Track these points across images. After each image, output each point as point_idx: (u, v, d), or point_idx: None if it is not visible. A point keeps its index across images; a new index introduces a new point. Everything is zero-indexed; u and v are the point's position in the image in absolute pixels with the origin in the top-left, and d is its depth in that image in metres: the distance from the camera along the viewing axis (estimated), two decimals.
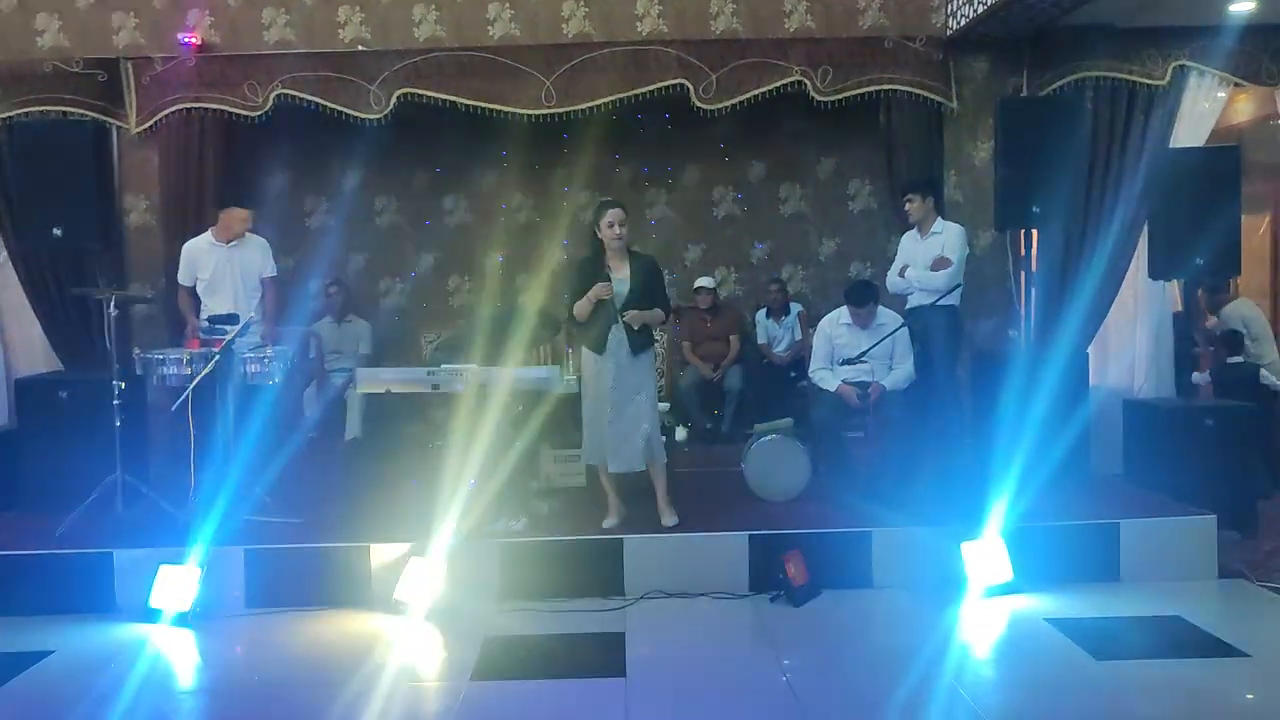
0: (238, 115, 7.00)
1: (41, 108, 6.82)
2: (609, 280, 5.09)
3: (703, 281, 7.87)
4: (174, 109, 6.98)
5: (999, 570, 4.90)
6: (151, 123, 7.02)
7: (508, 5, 7.21)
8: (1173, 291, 7.23)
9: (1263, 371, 7.21)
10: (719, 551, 4.98)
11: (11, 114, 6.77)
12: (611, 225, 5.10)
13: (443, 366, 5.20)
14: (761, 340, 7.97)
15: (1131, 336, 6.92)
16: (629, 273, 5.14)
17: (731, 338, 7.82)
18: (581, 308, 5.12)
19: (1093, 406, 6.22)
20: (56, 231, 5.64)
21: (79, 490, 5.16)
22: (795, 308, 7.88)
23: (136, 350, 5.49)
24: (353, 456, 6.88)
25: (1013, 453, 5.38)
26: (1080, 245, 6.78)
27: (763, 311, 7.99)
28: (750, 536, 4.99)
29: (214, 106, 6.99)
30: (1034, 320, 6.77)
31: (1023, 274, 6.83)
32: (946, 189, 7.24)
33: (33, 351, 7.09)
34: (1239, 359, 7.25)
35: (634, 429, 5.07)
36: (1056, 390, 5.79)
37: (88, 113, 6.92)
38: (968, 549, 4.89)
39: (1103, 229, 6.71)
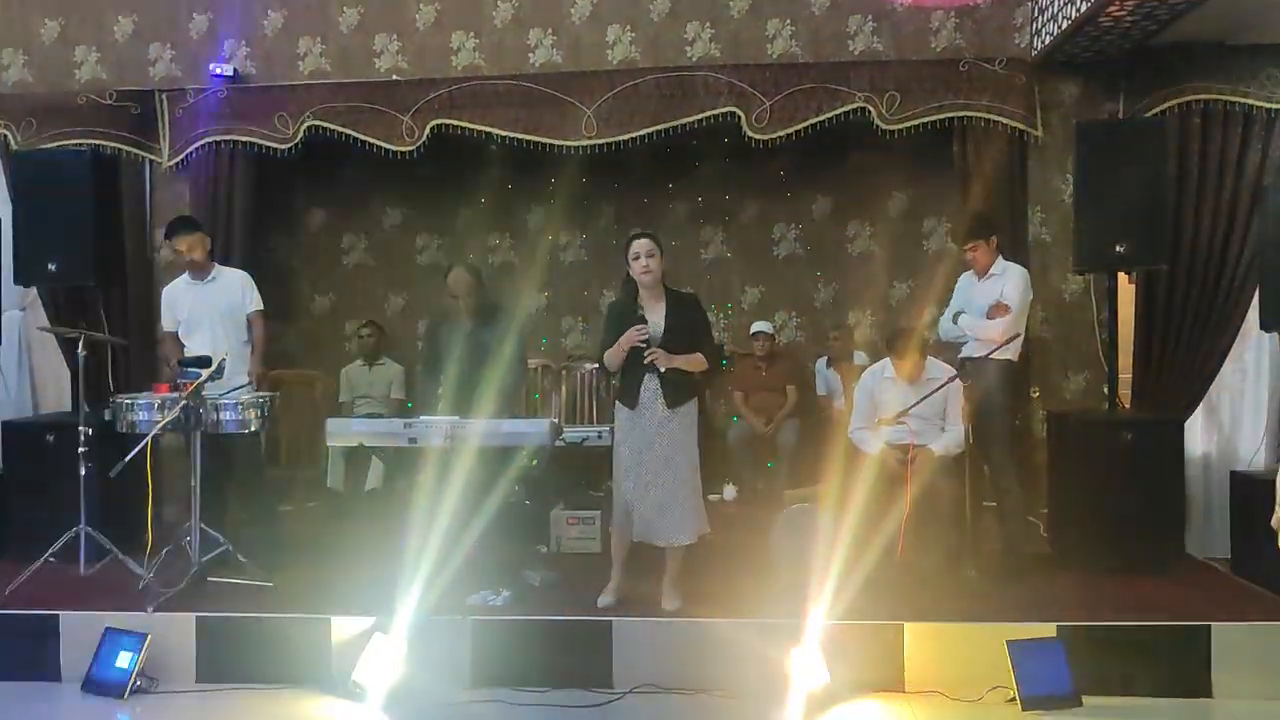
0: (268, 148, 6.74)
1: (75, 141, 6.68)
2: (644, 322, 4.50)
3: (759, 326, 7.22)
4: (204, 142, 6.77)
5: (1054, 677, 4.10)
6: (182, 156, 6.83)
7: (550, 31, 6.78)
8: None
9: None
10: (723, 641, 4.30)
11: (46, 147, 6.64)
12: (638, 258, 4.53)
13: (420, 418, 4.70)
14: (821, 392, 7.27)
15: (1242, 398, 5.97)
16: (664, 313, 4.55)
17: (788, 388, 7.14)
18: (612, 357, 4.54)
19: (1190, 479, 5.33)
20: (51, 267, 5.39)
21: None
22: (860, 356, 7.15)
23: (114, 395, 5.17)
24: (367, 510, 6.48)
25: (1082, 533, 4.57)
26: (1181, 292, 5.90)
27: (823, 360, 7.29)
28: (760, 625, 4.31)
29: (243, 139, 6.75)
30: (1131, 378, 5.95)
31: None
32: (1031, 227, 6.49)
33: (61, 390, 6.92)
34: None
35: (672, 498, 4.45)
36: (1147, 459, 4.97)
37: (121, 146, 6.80)
38: (1015, 649, 4.12)
39: (1208, 274, 5.83)
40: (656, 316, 4.54)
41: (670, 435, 4.48)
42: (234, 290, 5.52)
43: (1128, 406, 5.81)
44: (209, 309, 5.45)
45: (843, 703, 4.13)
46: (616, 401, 4.68)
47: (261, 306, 5.60)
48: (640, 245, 4.55)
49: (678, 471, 4.48)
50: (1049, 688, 4.09)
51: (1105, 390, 5.79)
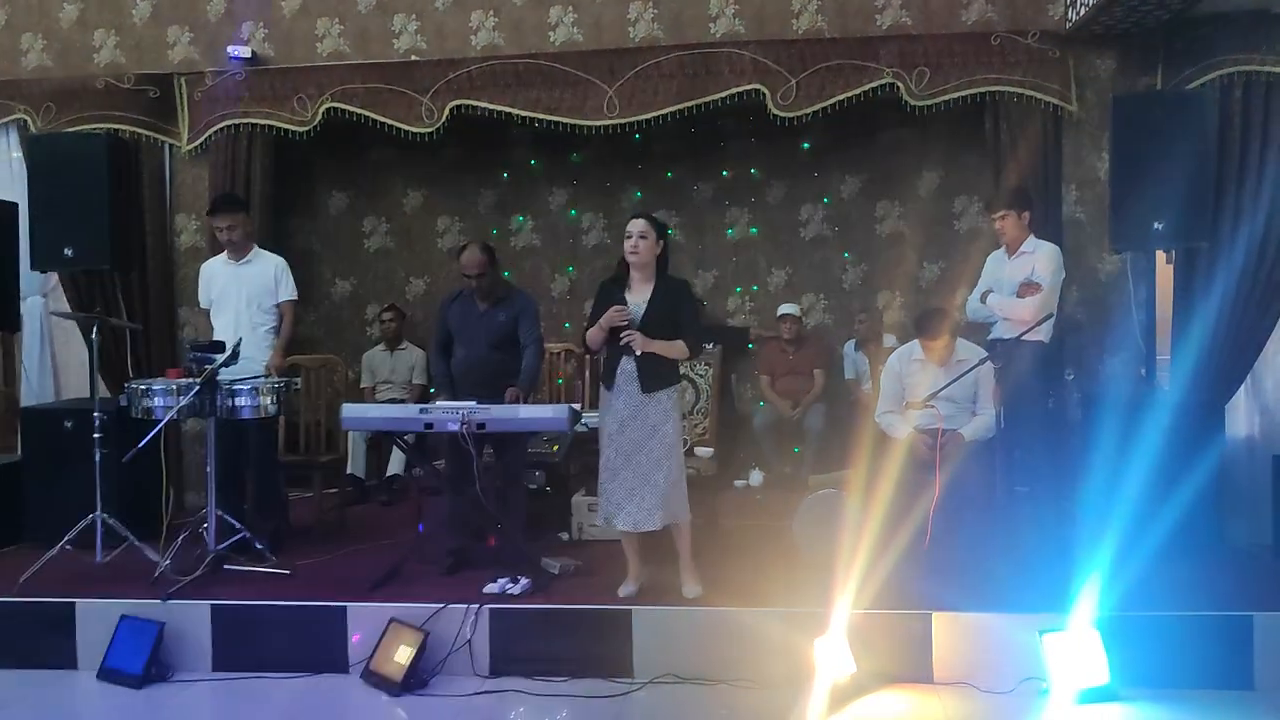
0: (287, 131, 6.67)
1: (94, 125, 6.63)
2: (624, 303, 4.40)
3: (786, 308, 7.09)
4: (222, 125, 6.71)
5: (1092, 670, 3.96)
6: (202, 140, 6.77)
7: (570, 9, 6.64)
8: None
9: None
10: (744, 630, 4.18)
11: (62, 131, 6.60)
12: (629, 237, 4.43)
13: (438, 404, 4.61)
14: (849, 375, 7.12)
15: None
16: (649, 296, 4.44)
17: (815, 372, 7.01)
18: (593, 335, 4.46)
19: (1231, 462, 5.15)
20: (68, 252, 5.33)
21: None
22: (889, 339, 6.99)
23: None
24: (388, 496, 6.46)
25: (1118, 521, 4.41)
26: (1223, 270, 5.68)
27: (851, 343, 7.14)
28: (783, 614, 4.18)
29: (261, 122, 6.68)
30: (1170, 359, 5.76)
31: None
32: (1065, 205, 6.30)
33: (83, 376, 6.78)
34: None
35: (643, 482, 4.33)
36: (1185, 442, 4.79)
37: (140, 130, 6.76)
38: (1051, 641, 3.98)
39: (1250, 252, 5.61)
40: (641, 299, 4.43)
41: (644, 419, 4.36)
42: (267, 276, 5.43)
43: (1166, 388, 5.62)
44: (238, 291, 5.37)
45: (869, 694, 4.01)
46: (600, 382, 4.61)
47: (294, 296, 5.51)
48: (632, 225, 4.46)
49: (649, 455, 4.35)
50: (1084, 679, 3.95)
51: (1143, 372, 5.63)
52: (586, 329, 4.54)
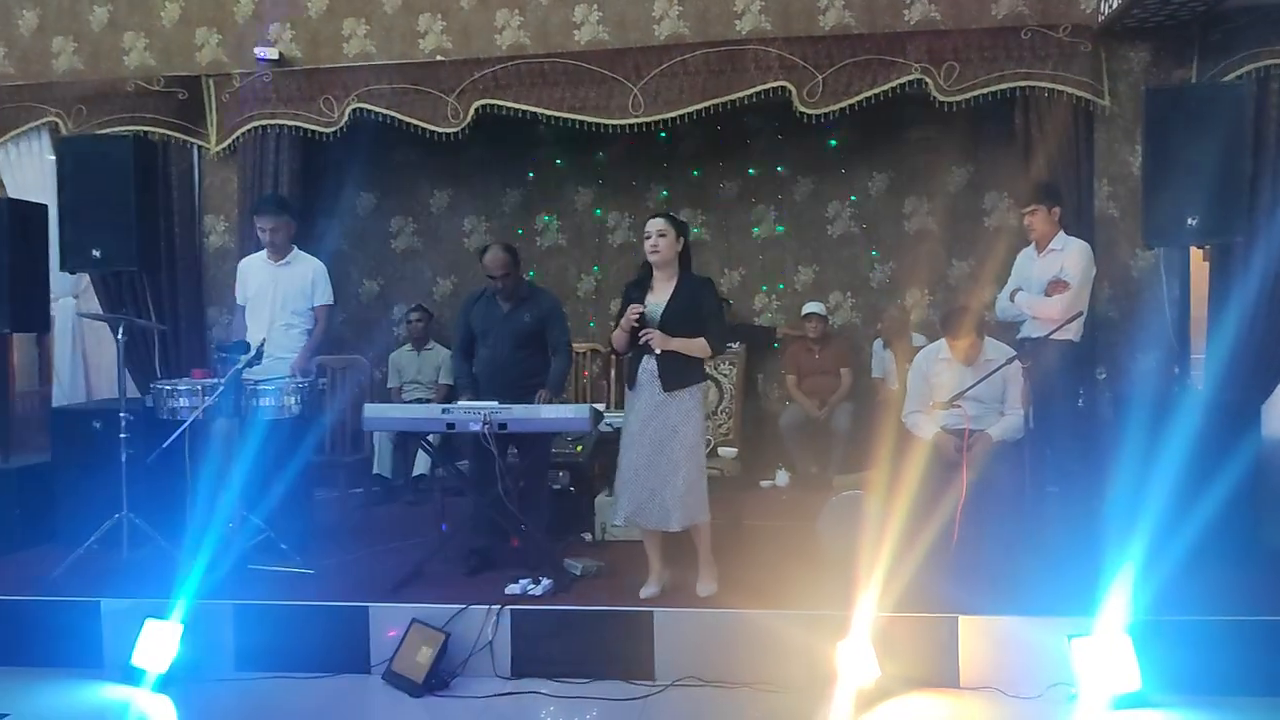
0: (314, 132, 6.70)
1: (124, 128, 6.69)
2: (642, 302, 4.37)
3: (812, 307, 7.02)
4: (249, 126, 6.75)
5: (1123, 676, 3.87)
6: (229, 141, 6.82)
7: (595, 7, 6.63)
8: None
9: None
10: (767, 633, 4.14)
11: (88, 134, 6.66)
12: (649, 237, 4.41)
13: (459, 404, 4.60)
14: (877, 374, 7.04)
15: None
16: (670, 294, 4.41)
17: (842, 371, 6.94)
18: (616, 337, 4.45)
19: (1267, 462, 5.03)
20: (95, 253, 5.38)
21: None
22: (918, 338, 6.91)
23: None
24: (413, 496, 6.47)
25: (1150, 522, 4.32)
26: (1259, 266, 5.56)
27: (879, 342, 7.06)
28: (806, 616, 4.13)
29: (289, 123, 6.71)
30: (1205, 358, 5.64)
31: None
32: (1097, 201, 6.20)
33: (114, 377, 6.92)
34: None
35: (663, 484, 4.30)
36: (1219, 442, 4.69)
37: (169, 131, 6.82)
38: (1080, 646, 3.90)
39: None
40: (662, 297, 4.40)
41: (665, 418, 4.33)
42: (304, 278, 5.45)
43: (1201, 388, 5.51)
44: (274, 291, 5.39)
45: (893, 698, 3.95)
46: (625, 382, 4.60)
47: (330, 301, 5.53)
48: (650, 225, 4.45)
49: (670, 455, 4.32)
50: (1115, 686, 3.87)
51: (1177, 371, 5.52)
52: (613, 331, 4.52)
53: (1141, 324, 6.01)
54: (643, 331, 4.29)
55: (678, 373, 4.34)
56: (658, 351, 4.32)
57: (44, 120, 6.88)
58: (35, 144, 6.95)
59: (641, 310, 4.32)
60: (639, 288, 4.48)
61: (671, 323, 4.33)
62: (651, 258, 4.40)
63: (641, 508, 4.33)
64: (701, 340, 4.36)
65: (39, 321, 5.97)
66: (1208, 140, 4.82)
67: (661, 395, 4.33)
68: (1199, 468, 4.64)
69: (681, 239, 4.44)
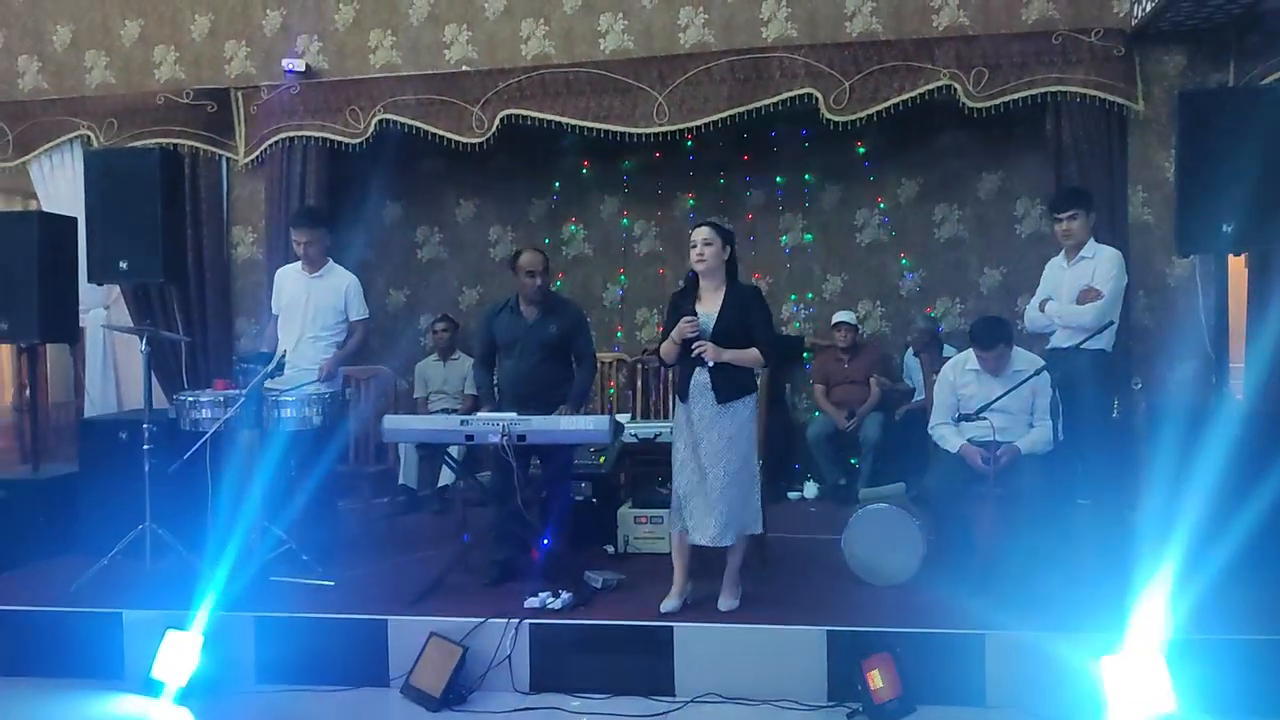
0: (341, 143, 6.73)
1: (154, 140, 6.75)
2: (695, 314, 4.31)
3: (841, 316, 6.93)
4: (277, 138, 6.79)
5: (1157, 697, 3.75)
6: (257, 153, 6.86)
7: (620, 16, 6.61)
8: None
9: None
10: (789, 648, 4.07)
11: (115, 147, 6.74)
12: (694, 246, 4.33)
13: (479, 415, 4.56)
14: (908, 384, 6.94)
15: None
16: (720, 305, 4.35)
17: (872, 381, 6.84)
18: (666, 349, 4.37)
19: None
20: (122, 265, 5.41)
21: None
22: (948, 349, 6.80)
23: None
24: (438, 507, 6.45)
25: (1186, 537, 4.20)
26: None
27: (910, 351, 6.96)
28: (829, 632, 4.06)
29: (315, 134, 6.75)
30: (1245, 367, 5.50)
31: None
32: (1131, 208, 6.10)
33: None
34: None
35: (720, 498, 4.24)
36: (1258, 454, 4.56)
37: (199, 144, 6.90)
38: (1110, 665, 3.79)
39: None
40: (712, 308, 4.33)
41: (720, 431, 4.27)
42: (337, 292, 5.42)
43: (1240, 398, 5.37)
44: (306, 303, 5.37)
45: (916, 716, 3.87)
46: (675, 394, 4.53)
47: (365, 315, 5.51)
48: (696, 234, 4.36)
49: (726, 468, 4.27)
50: (1148, 707, 3.76)
51: (1214, 380, 5.39)
52: (659, 343, 4.47)
53: (1178, 333, 5.89)
54: (696, 345, 4.24)
55: (732, 383, 4.28)
56: (710, 364, 4.26)
57: (76, 133, 6.99)
58: (68, 157, 7.05)
59: (697, 322, 4.26)
60: (686, 298, 4.41)
61: (723, 334, 4.27)
62: (698, 267, 4.33)
63: (700, 524, 4.27)
64: (755, 351, 4.29)
65: (68, 332, 6.02)
66: (1244, 145, 4.67)
67: (715, 407, 4.27)
68: (1237, 480, 4.50)
69: (728, 247, 4.37)
